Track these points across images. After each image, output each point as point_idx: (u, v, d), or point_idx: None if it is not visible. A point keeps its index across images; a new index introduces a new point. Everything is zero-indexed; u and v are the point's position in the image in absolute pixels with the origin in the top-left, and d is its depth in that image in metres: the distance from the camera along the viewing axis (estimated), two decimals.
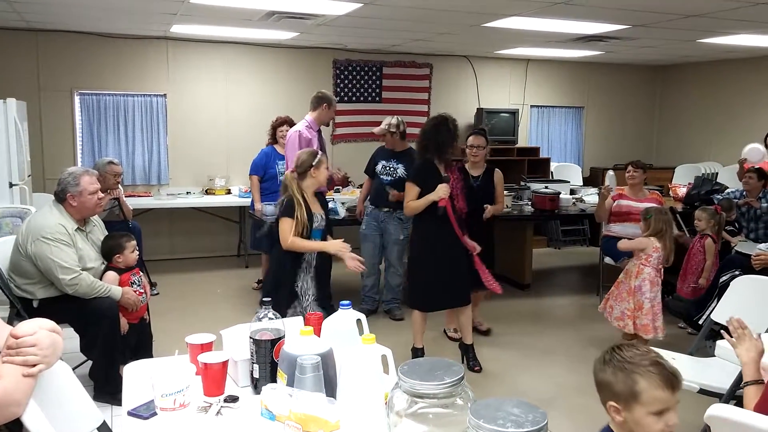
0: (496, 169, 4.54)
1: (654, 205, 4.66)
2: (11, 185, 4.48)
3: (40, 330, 1.55)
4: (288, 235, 3.31)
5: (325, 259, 3.52)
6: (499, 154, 7.31)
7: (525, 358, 4.31)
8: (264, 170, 5.51)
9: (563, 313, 5.38)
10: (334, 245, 3.42)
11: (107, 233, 3.54)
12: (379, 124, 4.92)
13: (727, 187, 5.77)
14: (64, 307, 3.14)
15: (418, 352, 3.95)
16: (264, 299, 1.90)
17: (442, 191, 3.60)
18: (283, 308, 3.26)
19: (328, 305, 3.39)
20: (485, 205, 4.42)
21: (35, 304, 3.24)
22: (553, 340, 4.61)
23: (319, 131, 4.83)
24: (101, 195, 3.42)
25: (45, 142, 6.32)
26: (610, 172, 5.44)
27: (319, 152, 3.51)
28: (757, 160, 5.61)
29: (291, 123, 5.55)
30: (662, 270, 4.13)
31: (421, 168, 3.77)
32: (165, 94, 6.72)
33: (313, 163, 3.38)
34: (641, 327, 4.02)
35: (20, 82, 6.10)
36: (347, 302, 1.96)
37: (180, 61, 6.73)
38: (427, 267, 3.78)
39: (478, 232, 4.26)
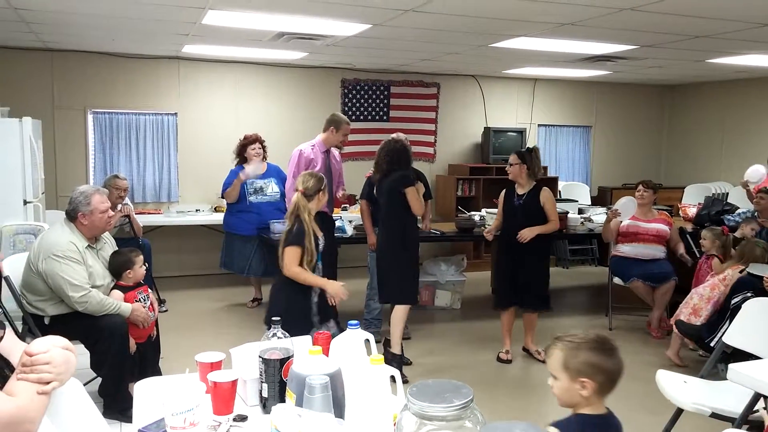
0: (544, 187, 4.45)
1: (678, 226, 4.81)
2: (25, 203, 4.52)
3: (53, 348, 1.56)
4: (293, 264, 3.20)
5: (332, 277, 3.50)
6: (506, 173, 7.28)
7: (533, 380, 4.28)
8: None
9: None
10: (334, 288, 3.32)
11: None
12: None
13: (738, 207, 5.74)
14: (74, 324, 3.16)
15: (403, 359, 4.11)
16: (273, 318, 1.91)
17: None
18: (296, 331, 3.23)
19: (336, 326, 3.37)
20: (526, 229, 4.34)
21: (46, 321, 3.27)
22: None
23: (327, 152, 4.83)
24: (111, 213, 3.46)
25: (58, 159, 6.40)
26: (631, 198, 5.26)
27: (324, 177, 3.45)
28: (756, 180, 5.60)
29: (261, 141, 5.57)
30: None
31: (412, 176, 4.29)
32: (176, 113, 6.80)
33: (321, 188, 3.36)
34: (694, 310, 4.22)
35: (36, 100, 6.20)
36: (355, 322, 1.97)
37: (191, 81, 6.83)
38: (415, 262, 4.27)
39: (518, 250, 4.30)
